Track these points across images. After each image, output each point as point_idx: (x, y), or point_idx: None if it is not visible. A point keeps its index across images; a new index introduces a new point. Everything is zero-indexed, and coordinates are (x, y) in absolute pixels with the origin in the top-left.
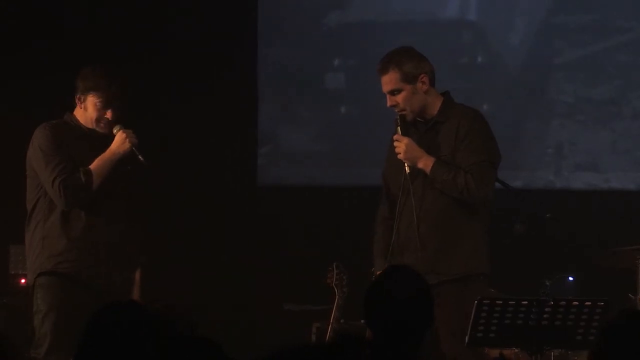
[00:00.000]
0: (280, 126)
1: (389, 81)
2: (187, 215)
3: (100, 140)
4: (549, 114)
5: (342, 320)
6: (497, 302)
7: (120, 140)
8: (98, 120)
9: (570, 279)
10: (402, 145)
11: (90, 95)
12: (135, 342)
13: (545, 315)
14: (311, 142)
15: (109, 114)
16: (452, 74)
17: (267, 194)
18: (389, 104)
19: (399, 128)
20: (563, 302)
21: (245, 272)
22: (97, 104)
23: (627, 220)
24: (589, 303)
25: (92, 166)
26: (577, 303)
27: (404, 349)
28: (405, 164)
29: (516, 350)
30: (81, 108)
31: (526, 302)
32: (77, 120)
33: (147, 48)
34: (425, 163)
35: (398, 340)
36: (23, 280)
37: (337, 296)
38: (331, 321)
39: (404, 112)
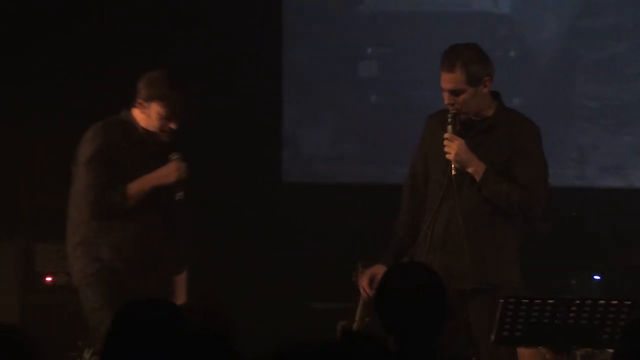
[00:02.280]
0: (305, 122)
1: (452, 80)
2: (212, 214)
3: (157, 146)
4: (573, 114)
5: (367, 319)
6: (523, 301)
7: (170, 170)
8: (161, 129)
9: (597, 278)
10: (454, 146)
11: (155, 104)
12: (158, 340)
13: (571, 315)
14: (337, 139)
15: (173, 125)
16: None
17: (293, 191)
18: (447, 101)
19: (450, 127)
20: (589, 302)
21: (271, 270)
22: (162, 113)
23: None
24: (616, 302)
25: (131, 185)
26: (603, 302)
27: (419, 344)
28: (453, 165)
29: (543, 350)
30: (143, 113)
31: (552, 301)
32: (135, 121)
33: (172, 50)
34: (476, 169)
35: (412, 336)
36: (49, 278)
37: (361, 295)
38: (356, 319)
39: (458, 112)
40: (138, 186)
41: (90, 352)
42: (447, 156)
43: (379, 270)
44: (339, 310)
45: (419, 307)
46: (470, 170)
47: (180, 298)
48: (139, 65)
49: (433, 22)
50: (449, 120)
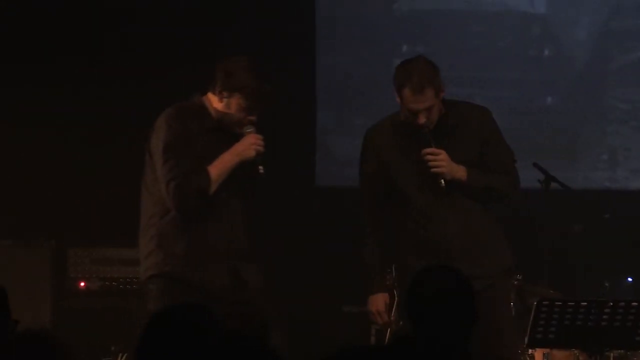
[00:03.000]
0: (338, 126)
1: (425, 99)
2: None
3: (230, 135)
4: (604, 115)
5: (401, 322)
6: (557, 303)
7: (247, 143)
8: (239, 121)
9: (629, 279)
10: (443, 158)
11: (237, 96)
12: (192, 345)
13: (604, 316)
14: None
15: (253, 117)
16: (520, 66)
17: (326, 194)
18: (421, 121)
19: (426, 143)
20: (622, 303)
21: (304, 273)
22: (244, 105)
23: None
24: None
25: (211, 168)
26: (636, 304)
27: (450, 347)
28: (442, 179)
29: (576, 352)
30: (221, 102)
31: (585, 303)
32: (209, 107)
33: (204, 54)
34: (461, 173)
35: (443, 338)
36: (82, 284)
37: (396, 297)
38: (390, 323)
39: (428, 126)
40: (219, 167)
41: (124, 357)
42: (438, 170)
43: (384, 298)
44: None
45: (448, 311)
46: (458, 175)
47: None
48: (174, 70)
49: (468, 21)
50: (426, 137)
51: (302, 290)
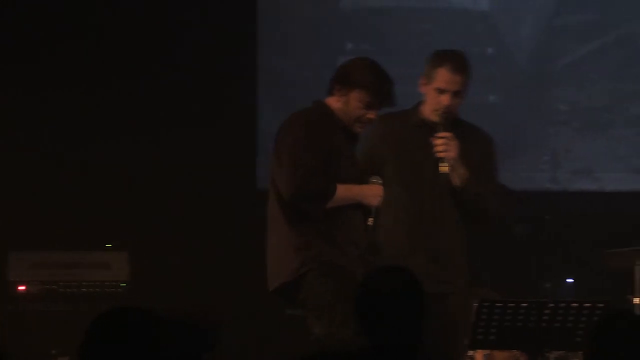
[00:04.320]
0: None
1: (459, 82)
2: (187, 220)
3: (353, 137)
4: (547, 117)
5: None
6: (497, 304)
7: (376, 193)
8: (359, 119)
9: (570, 281)
10: (453, 145)
11: (355, 92)
12: (134, 349)
13: (544, 317)
14: None
15: (372, 114)
16: None
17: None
18: (447, 102)
19: (442, 127)
20: (563, 304)
21: (246, 277)
22: (362, 102)
23: (625, 222)
24: (589, 305)
25: (339, 188)
26: (576, 305)
27: (396, 346)
28: (447, 164)
29: (516, 353)
30: (339, 101)
31: (526, 304)
32: (331, 111)
33: (148, 57)
34: (463, 170)
35: (390, 338)
36: (22, 287)
37: None
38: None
39: (448, 112)
40: (345, 193)
41: None
42: (445, 154)
43: None
44: None
45: (396, 309)
46: (461, 171)
47: None
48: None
49: (412, 19)
50: (442, 120)
51: (243, 295)
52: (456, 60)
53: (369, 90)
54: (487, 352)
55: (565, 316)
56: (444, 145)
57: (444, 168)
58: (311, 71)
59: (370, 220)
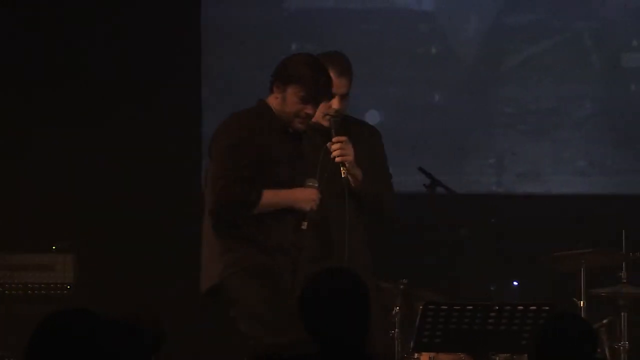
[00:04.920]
0: None
1: (344, 84)
2: (131, 224)
3: (293, 137)
4: (492, 119)
5: None
6: (443, 307)
7: (309, 197)
8: (296, 114)
9: (515, 283)
10: (349, 147)
11: (292, 87)
12: (81, 350)
13: (490, 320)
14: None
15: (309, 109)
16: (408, 64)
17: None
18: (338, 106)
19: (333, 131)
20: (508, 307)
21: (193, 278)
22: (299, 96)
23: (571, 225)
24: (534, 308)
25: (266, 192)
26: (522, 308)
27: (342, 346)
28: (346, 168)
29: (462, 356)
30: (277, 98)
31: (471, 307)
32: (271, 111)
33: (88, 55)
34: (359, 171)
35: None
36: None
37: None
38: None
39: (338, 115)
40: (273, 198)
41: None
42: (344, 158)
43: None
44: None
45: (340, 310)
46: (357, 172)
47: None
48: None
49: (356, 19)
50: (335, 124)
51: (189, 296)
52: (337, 63)
53: (304, 84)
54: (432, 354)
55: (510, 319)
56: (340, 149)
57: (342, 172)
58: (256, 72)
59: (304, 224)
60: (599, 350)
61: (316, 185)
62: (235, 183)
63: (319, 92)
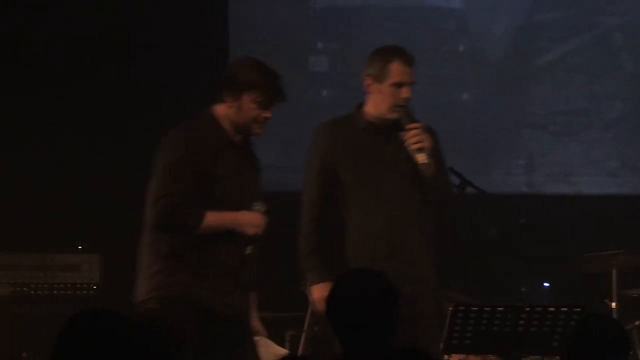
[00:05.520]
0: None
1: (412, 73)
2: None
3: (243, 150)
4: (522, 118)
5: (315, 328)
6: (473, 308)
7: (252, 222)
8: (255, 119)
9: (546, 285)
10: (424, 133)
11: (248, 93)
12: (106, 351)
13: (521, 322)
14: (285, 149)
15: (267, 113)
16: (435, 61)
17: None
18: (407, 95)
19: (406, 120)
20: (539, 309)
21: None
22: (257, 102)
23: (602, 226)
24: (565, 309)
25: (209, 215)
26: (553, 309)
27: (368, 349)
28: (424, 154)
29: (492, 358)
30: (231, 107)
31: (502, 308)
32: (217, 121)
33: (117, 56)
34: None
35: (362, 341)
36: None
37: (310, 303)
38: (304, 329)
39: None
40: (216, 221)
41: None
42: (422, 145)
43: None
44: (287, 319)
45: (367, 312)
46: (432, 161)
47: (253, 315)
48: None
49: (383, 17)
50: (408, 113)
51: None
52: (405, 53)
53: (261, 90)
54: (462, 356)
55: (541, 320)
56: (418, 136)
57: (422, 158)
58: (282, 70)
59: (249, 249)
60: (631, 352)
61: (263, 209)
62: (174, 207)
63: (275, 94)
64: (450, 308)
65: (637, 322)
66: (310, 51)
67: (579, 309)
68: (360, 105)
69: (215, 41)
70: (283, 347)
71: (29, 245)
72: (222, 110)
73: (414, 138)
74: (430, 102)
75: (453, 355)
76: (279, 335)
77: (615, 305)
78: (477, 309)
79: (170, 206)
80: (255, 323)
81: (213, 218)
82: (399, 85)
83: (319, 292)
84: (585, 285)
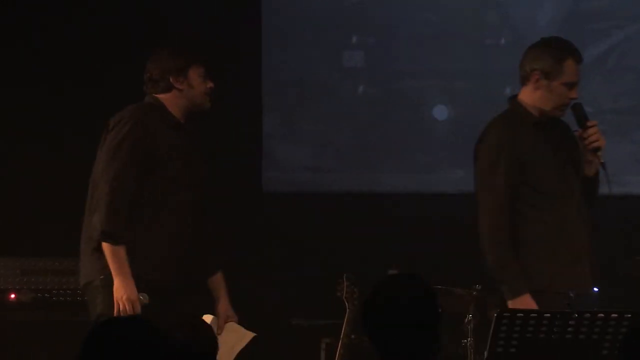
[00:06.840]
0: (285, 128)
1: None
2: None
3: (185, 134)
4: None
5: (352, 336)
6: (518, 314)
7: (125, 298)
8: (206, 92)
9: (595, 290)
10: (600, 133)
11: (192, 69)
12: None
13: (569, 329)
14: (318, 151)
15: (211, 83)
16: (476, 54)
17: (274, 201)
18: (576, 95)
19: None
20: (588, 315)
21: (250, 284)
22: (202, 75)
23: None
24: (615, 316)
25: (119, 253)
26: (602, 316)
27: (407, 357)
28: (600, 154)
29: None
30: (179, 89)
31: (549, 314)
32: (164, 106)
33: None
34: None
35: (400, 349)
36: (13, 295)
37: (347, 310)
38: (341, 337)
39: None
40: (115, 262)
41: None
42: (600, 143)
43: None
44: (323, 327)
45: (404, 319)
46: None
47: (223, 300)
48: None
49: (420, 9)
50: (582, 111)
51: (248, 302)
52: (577, 50)
53: (198, 63)
54: None
55: (590, 327)
56: (597, 134)
57: (600, 157)
58: (315, 63)
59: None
60: None
61: (145, 301)
62: (117, 214)
63: (206, 62)
64: (495, 314)
65: None
66: (344, 45)
67: (629, 316)
68: (515, 97)
69: (247, 40)
70: (318, 356)
71: (53, 251)
72: (171, 97)
73: (593, 136)
74: (472, 98)
75: None
76: (314, 343)
77: None
78: (522, 315)
79: (114, 214)
80: (225, 307)
81: (118, 259)
82: (571, 85)
83: (523, 304)
84: (635, 290)
